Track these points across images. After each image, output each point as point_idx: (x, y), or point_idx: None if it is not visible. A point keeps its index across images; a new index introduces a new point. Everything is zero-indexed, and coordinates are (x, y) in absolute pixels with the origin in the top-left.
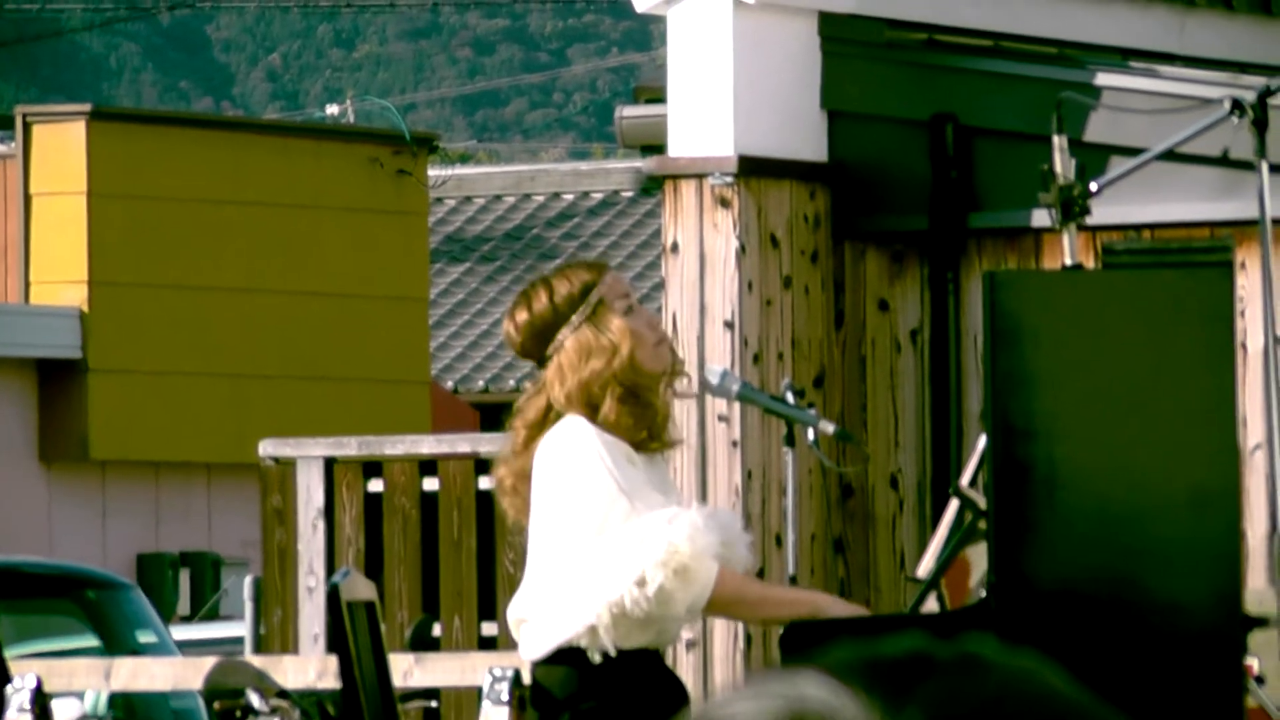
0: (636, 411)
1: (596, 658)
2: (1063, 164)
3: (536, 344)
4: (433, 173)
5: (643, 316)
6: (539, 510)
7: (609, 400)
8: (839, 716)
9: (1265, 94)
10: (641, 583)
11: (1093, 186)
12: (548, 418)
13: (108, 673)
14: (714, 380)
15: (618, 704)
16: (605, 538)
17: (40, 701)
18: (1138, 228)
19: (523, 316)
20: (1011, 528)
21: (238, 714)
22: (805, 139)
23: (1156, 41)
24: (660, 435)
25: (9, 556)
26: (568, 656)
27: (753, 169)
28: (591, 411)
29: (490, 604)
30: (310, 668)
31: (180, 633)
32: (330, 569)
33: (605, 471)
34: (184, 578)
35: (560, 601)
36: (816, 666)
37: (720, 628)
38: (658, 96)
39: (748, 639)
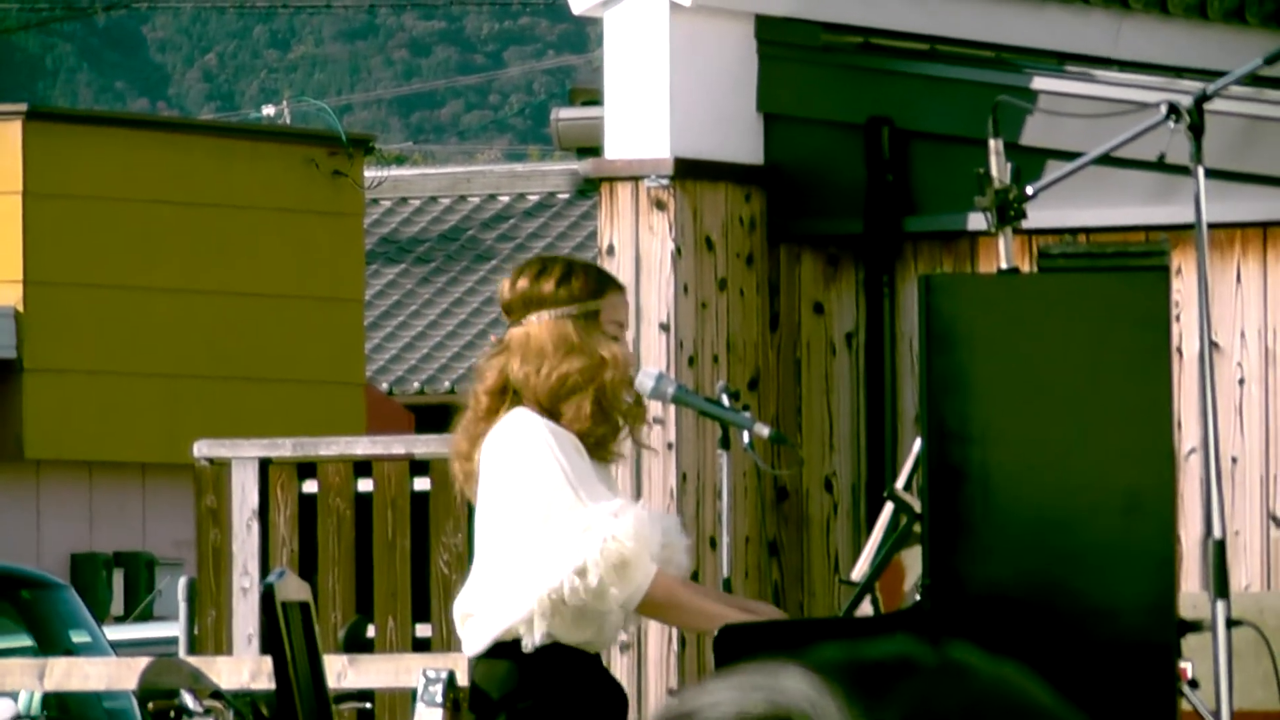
0: (598, 417)
1: (529, 646)
2: (998, 167)
3: (522, 308)
4: (368, 174)
5: (626, 349)
6: (487, 503)
7: (578, 400)
8: (818, 712)
9: (1201, 98)
10: (581, 572)
11: (1028, 190)
12: (508, 384)
13: (41, 673)
14: (649, 383)
15: (555, 704)
16: (550, 527)
17: None
18: (1073, 231)
19: (524, 284)
20: (946, 531)
21: (172, 714)
22: (741, 142)
23: (1093, 46)
24: (609, 449)
25: None
26: (507, 650)
27: (688, 171)
28: (552, 401)
29: (424, 605)
30: (244, 668)
31: (114, 633)
32: (265, 570)
33: (553, 461)
34: (118, 578)
35: (501, 592)
36: (798, 663)
37: (655, 630)
38: (594, 99)
39: (682, 641)
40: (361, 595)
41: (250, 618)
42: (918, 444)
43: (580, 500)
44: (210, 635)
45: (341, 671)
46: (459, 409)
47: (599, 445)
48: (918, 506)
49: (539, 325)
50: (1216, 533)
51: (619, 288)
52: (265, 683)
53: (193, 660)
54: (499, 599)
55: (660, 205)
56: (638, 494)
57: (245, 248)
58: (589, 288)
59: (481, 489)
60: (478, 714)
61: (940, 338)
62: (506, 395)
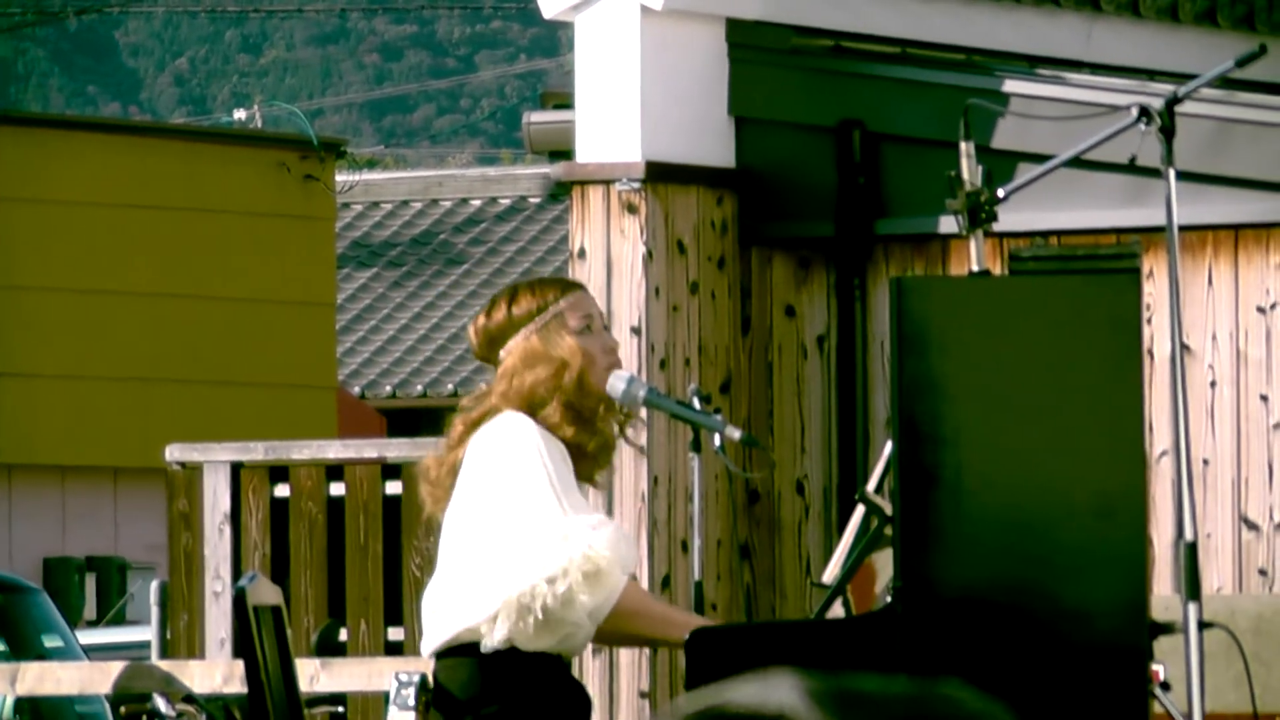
0: (579, 423)
1: (487, 647)
2: (970, 170)
3: (490, 349)
4: (340, 178)
5: (599, 338)
6: (465, 496)
7: (553, 406)
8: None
9: (1173, 101)
10: (553, 579)
11: (1000, 193)
12: (487, 418)
13: (14, 677)
14: (620, 386)
15: (521, 708)
16: (528, 530)
17: None
18: (1045, 234)
19: (481, 321)
20: (917, 534)
21: (144, 718)
22: (712, 145)
23: (1064, 48)
24: (599, 460)
25: None
26: (470, 650)
27: (660, 175)
28: (530, 412)
29: (396, 609)
30: (216, 672)
31: (86, 637)
32: (236, 573)
33: (540, 465)
34: (90, 582)
35: (469, 589)
36: (794, 685)
37: None
38: (565, 102)
39: (653, 647)
40: (334, 599)
41: (222, 621)
42: (889, 446)
43: (563, 508)
44: (182, 639)
45: (314, 675)
46: (444, 416)
47: (584, 457)
48: (889, 509)
49: (511, 355)
50: (1188, 535)
51: (573, 285)
52: (237, 686)
53: (165, 664)
54: (465, 596)
55: (632, 209)
56: (610, 498)
57: (217, 252)
58: (540, 299)
59: (461, 481)
60: (442, 714)
61: (911, 340)
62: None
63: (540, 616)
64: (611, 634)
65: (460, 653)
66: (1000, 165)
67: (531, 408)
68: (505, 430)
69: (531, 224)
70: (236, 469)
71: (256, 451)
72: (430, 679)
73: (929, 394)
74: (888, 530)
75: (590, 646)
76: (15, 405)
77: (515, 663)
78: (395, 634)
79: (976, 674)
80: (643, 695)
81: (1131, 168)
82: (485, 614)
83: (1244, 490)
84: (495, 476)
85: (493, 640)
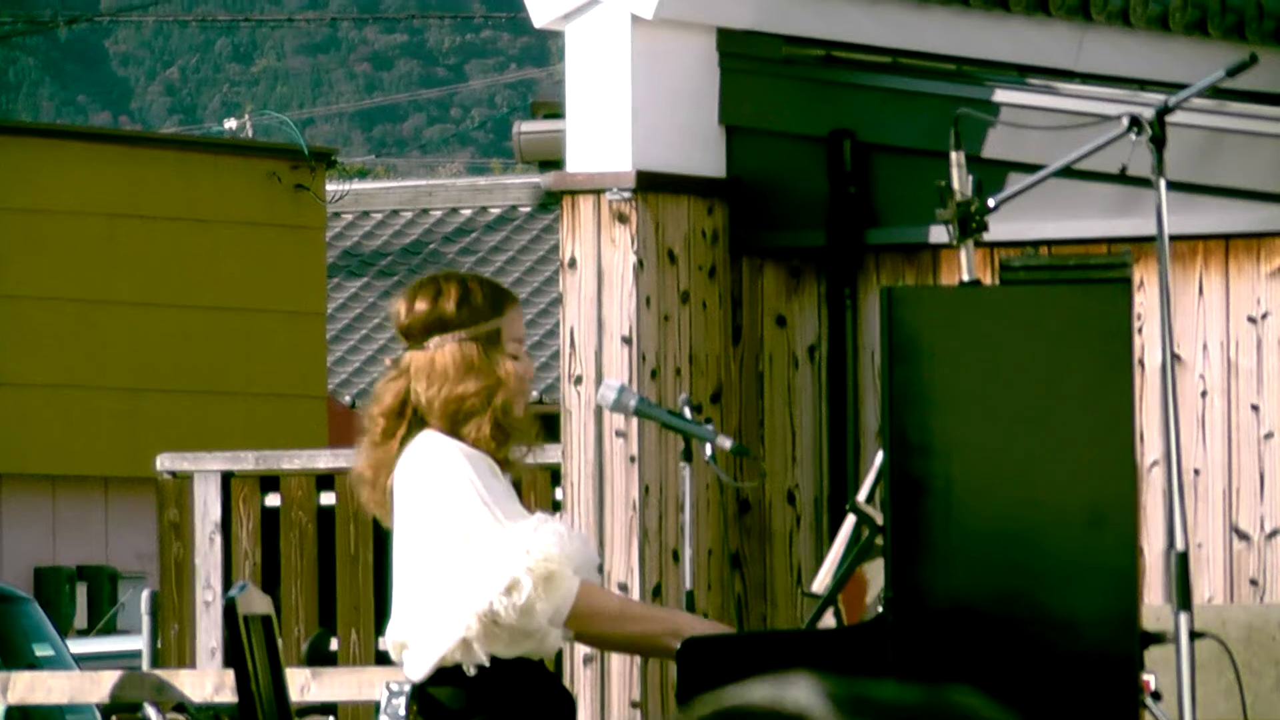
0: (499, 437)
1: (471, 670)
2: (960, 180)
3: (421, 331)
4: (330, 187)
5: (525, 365)
6: (404, 530)
7: (477, 421)
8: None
9: (1163, 111)
10: (510, 590)
11: (990, 203)
12: (405, 406)
13: (4, 686)
14: (611, 395)
15: (507, 716)
16: (470, 549)
17: None
18: (1035, 244)
19: (422, 306)
20: (908, 544)
21: None
22: (703, 155)
23: (1055, 58)
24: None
25: None
26: (450, 676)
27: (651, 184)
28: (451, 424)
29: (387, 618)
30: (207, 682)
31: (77, 646)
32: (227, 583)
33: (468, 483)
34: (81, 591)
35: (432, 618)
36: (813, 686)
37: None
38: (556, 112)
39: (631, 652)
40: (324, 608)
41: (213, 631)
42: (880, 456)
43: (498, 520)
44: (173, 648)
45: (304, 684)
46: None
47: (502, 465)
48: (880, 519)
49: (442, 350)
50: (1179, 545)
51: (516, 301)
52: (228, 696)
53: (156, 673)
54: (430, 626)
55: (622, 218)
56: (600, 507)
57: (207, 261)
58: (488, 306)
59: (397, 515)
60: None
61: (902, 350)
62: (404, 418)
63: (504, 630)
64: (587, 639)
65: (442, 679)
66: (991, 175)
67: (457, 418)
68: (426, 458)
69: (522, 233)
70: (227, 478)
71: (247, 461)
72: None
73: (920, 404)
74: (879, 540)
75: (581, 655)
76: (6, 415)
77: (494, 676)
78: (386, 643)
79: (967, 684)
80: (634, 705)
81: (1122, 177)
82: (453, 640)
83: (1235, 500)
84: (427, 506)
85: (470, 662)
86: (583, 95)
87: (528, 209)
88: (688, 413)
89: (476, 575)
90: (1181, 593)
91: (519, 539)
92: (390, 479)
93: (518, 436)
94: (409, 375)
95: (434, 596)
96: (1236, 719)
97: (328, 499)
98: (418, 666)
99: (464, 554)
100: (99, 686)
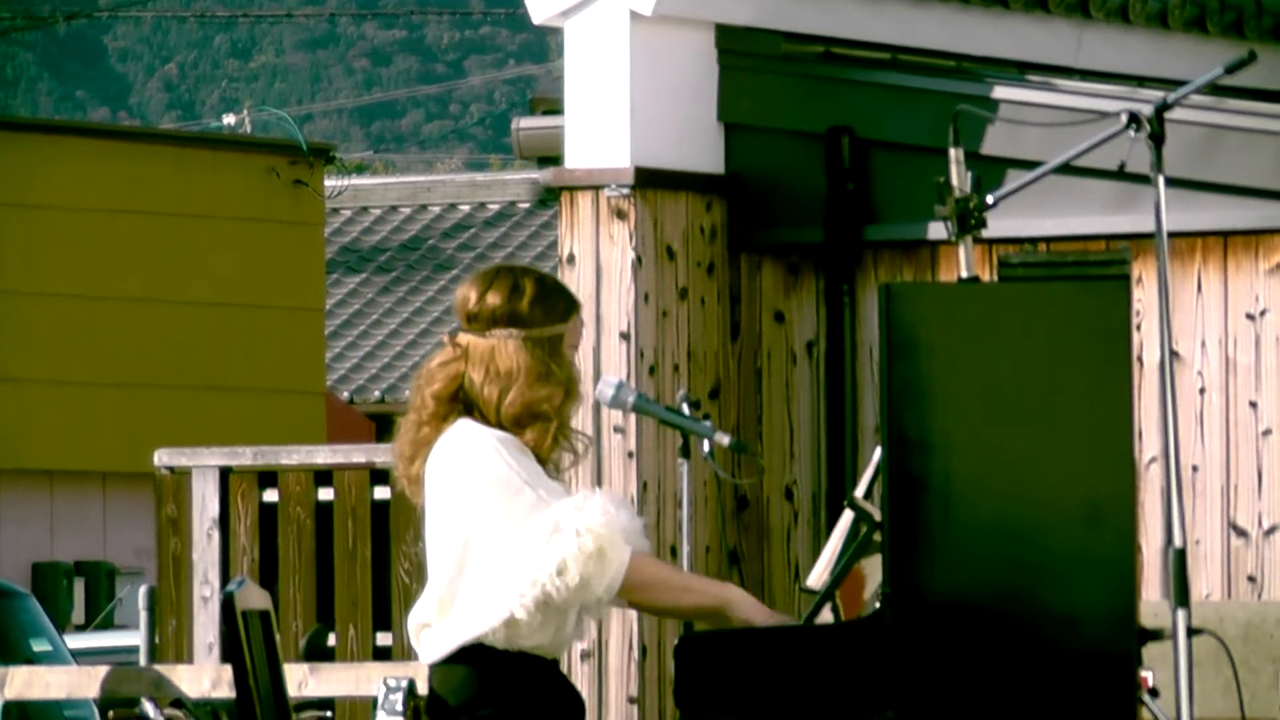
0: (559, 444)
1: (503, 646)
2: (959, 176)
3: (488, 321)
4: (329, 183)
5: (577, 371)
6: (440, 515)
7: (544, 426)
8: None
9: (1162, 108)
10: (562, 570)
11: (989, 199)
12: (460, 391)
13: (2, 682)
14: (609, 391)
15: (515, 711)
16: (517, 530)
17: None
18: (1034, 240)
19: (495, 299)
20: (906, 540)
21: None
22: (702, 151)
23: (1054, 55)
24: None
25: None
26: (470, 656)
27: (649, 181)
28: (513, 423)
29: (385, 614)
30: (205, 677)
31: (75, 641)
32: (225, 578)
33: (506, 466)
34: (79, 587)
35: (472, 599)
36: None
37: (615, 639)
38: (555, 108)
39: (643, 650)
40: (322, 604)
41: (211, 626)
42: (878, 452)
43: (542, 499)
44: (171, 644)
45: (302, 680)
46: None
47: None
48: (878, 515)
49: (506, 344)
50: (1177, 542)
51: (579, 308)
52: (226, 691)
53: (153, 668)
54: (468, 606)
55: (621, 214)
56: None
57: (206, 257)
58: (560, 310)
59: (431, 502)
60: (437, 719)
61: (900, 346)
62: (457, 403)
63: (556, 607)
64: (641, 607)
65: (458, 659)
66: (989, 171)
67: (522, 419)
68: (461, 447)
69: (520, 229)
70: (225, 474)
71: (245, 456)
72: (419, 684)
73: (918, 400)
74: (876, 536)
75: (579, 649)
76: (4, 410)
77: (508, 666)
78: (384, 639)
79: (965, 680)
80: (631, 700)
81: (1121, 174)
82: (496, 620)
83: (1233, 497)
84: (467, 494)
85: (514, 643)
86: (581, 91)
87: (526, 205)
88: (686, 409)
89: (526, 556)
90: (1179, 589)
91: (565, 518)
92: (424, 462)
93: (568, 446)
94: (465, 360)
95: (478, 577)
96: (1234, 715)
97: (326, 494)
98: (440, 645)
99: (511, 535)
100: (96, 682)
